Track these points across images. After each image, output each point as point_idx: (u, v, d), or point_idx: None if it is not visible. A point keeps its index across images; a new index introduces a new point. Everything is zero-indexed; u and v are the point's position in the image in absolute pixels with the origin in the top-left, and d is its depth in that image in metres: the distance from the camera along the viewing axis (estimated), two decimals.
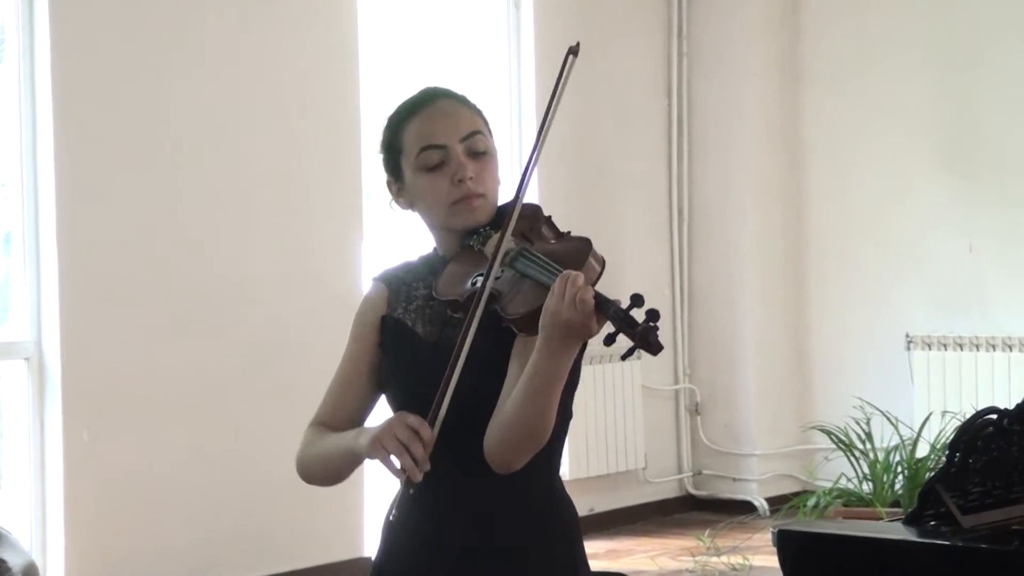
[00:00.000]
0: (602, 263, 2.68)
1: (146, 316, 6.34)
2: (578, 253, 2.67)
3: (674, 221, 8.87)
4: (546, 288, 2.59)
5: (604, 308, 2.52)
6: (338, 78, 7.06)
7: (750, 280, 8.79)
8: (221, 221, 6.62)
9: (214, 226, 6.59)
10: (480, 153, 2.82)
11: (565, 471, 8.15)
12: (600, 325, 2.54)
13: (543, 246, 2.74)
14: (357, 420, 2.86)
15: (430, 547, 2.80)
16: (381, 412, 2.88)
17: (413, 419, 2.62)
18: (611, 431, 8.36)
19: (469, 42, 8.01)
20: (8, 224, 6.22)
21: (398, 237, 7.00)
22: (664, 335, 8.87)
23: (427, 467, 2.60)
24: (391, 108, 2.92)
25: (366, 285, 7.10)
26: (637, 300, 2.51)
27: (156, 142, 6.41)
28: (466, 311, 2.67)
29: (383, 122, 2.92)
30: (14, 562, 4.62)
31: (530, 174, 2.74)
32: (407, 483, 2.62)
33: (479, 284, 2.68)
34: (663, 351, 2.51)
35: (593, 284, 2.59)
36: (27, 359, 6.13)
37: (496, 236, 2.74)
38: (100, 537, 6.21)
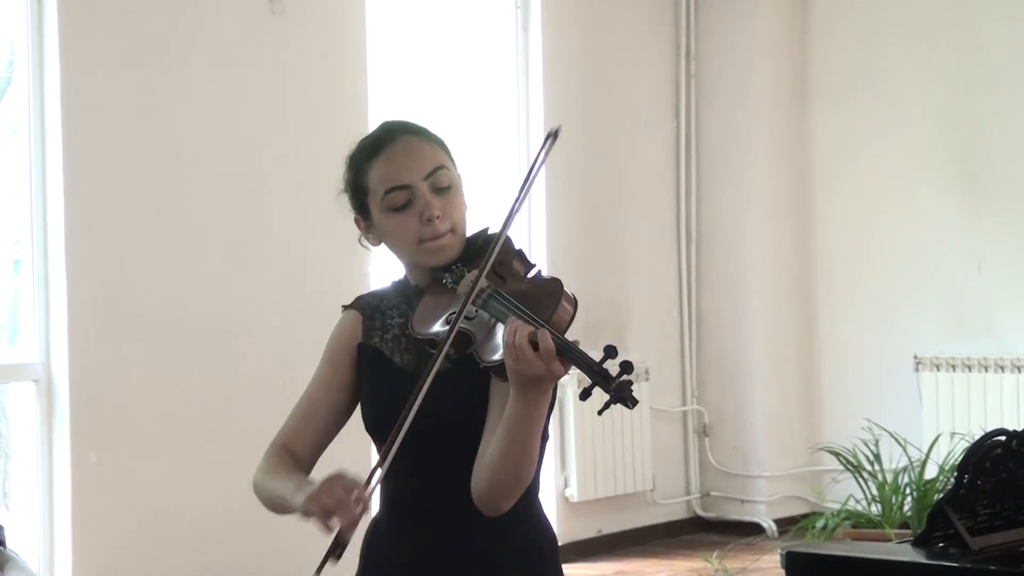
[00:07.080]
0: (574, 304, 2.66)
1: (154, 338, 6.35)
2: (550, 296, 2.64)
3: (682, 242, 8.87)
4: None
5: (577, 362, 2.50)
6: (347, 100, 7.07)
7: (758, 301, 8.78)
8: (229, 243, 6.62)
9: (222, 249, 6.60)
10: (444, 188, 2.82)
11: (574, 492, 8.17)
12: (566, 367, 2.52)
13: (514, 286, 2.72)
14: (320, 444, 2.89)
15: (409, 568, 2.83)
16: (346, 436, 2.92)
17: (350, 479, 2.62)
18: (619, 453, 8.36)
19: (478, 64, 8.02)
20: (17, 247, 6.23)
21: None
22: (672, 357, 8.91)
23: (356, 527, 2.60)
24: (351, 146, 2.94)
25: None
26: (610, 352, 2.51)
27: (164, 164, 6.42)
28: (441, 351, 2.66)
29: (345, 161, 2.94)
30: None
31: (502, 237, 2.72)
32: (336, 544, 2.63)
33: (453, 325, 2.66)
34: (633, 388, 2.48)
35: (567, 326, 2.60)
36: (36, 381, 6.13)
37: (469, 276, 2.73)
38: (108, 559, 6.20)
